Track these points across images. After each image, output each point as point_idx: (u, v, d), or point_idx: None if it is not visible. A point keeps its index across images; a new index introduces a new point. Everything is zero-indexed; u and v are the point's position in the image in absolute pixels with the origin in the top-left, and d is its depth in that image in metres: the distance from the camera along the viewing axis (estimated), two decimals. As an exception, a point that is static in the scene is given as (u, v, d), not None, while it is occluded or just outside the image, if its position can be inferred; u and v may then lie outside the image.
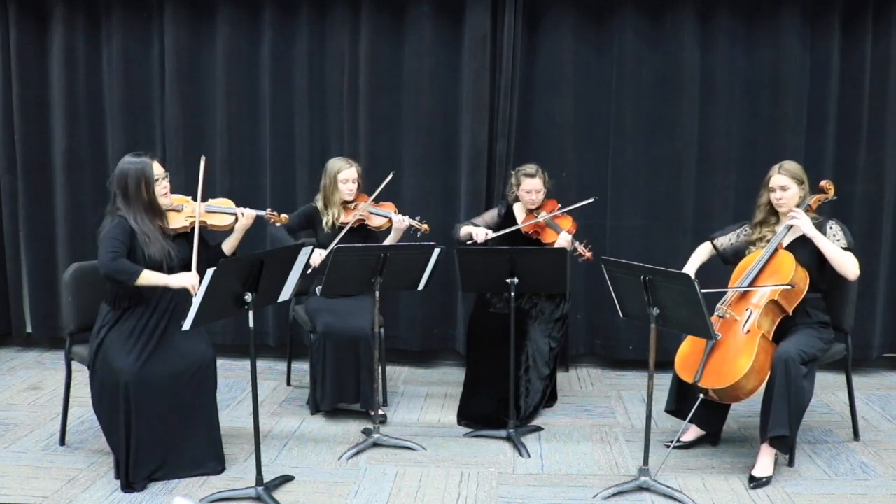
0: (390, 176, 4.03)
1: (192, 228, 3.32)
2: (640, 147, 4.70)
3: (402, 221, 3.98)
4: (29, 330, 5.20)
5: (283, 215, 3.69)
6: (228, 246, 3.53)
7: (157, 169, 3.27)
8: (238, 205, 3.52)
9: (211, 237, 3.54)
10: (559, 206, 4.09)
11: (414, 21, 4.68)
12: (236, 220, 3.46)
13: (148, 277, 3.13)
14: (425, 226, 3.97)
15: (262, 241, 4.48)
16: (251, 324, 3.01)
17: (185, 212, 3.37)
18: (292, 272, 3.18)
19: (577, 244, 3.87)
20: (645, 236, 4.74)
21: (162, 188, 3.28)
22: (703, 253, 3.71)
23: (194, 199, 3.38)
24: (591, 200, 4.02)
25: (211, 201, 3.49)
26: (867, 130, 4.59)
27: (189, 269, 3.26)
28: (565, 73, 4.68)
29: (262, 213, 3.55)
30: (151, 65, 4.87)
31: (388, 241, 4.03)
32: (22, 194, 5.00)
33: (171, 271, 3.22)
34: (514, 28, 4.56)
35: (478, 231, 4.03)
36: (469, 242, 4.04)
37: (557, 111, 4.71)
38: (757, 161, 4.42)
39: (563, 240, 3.89)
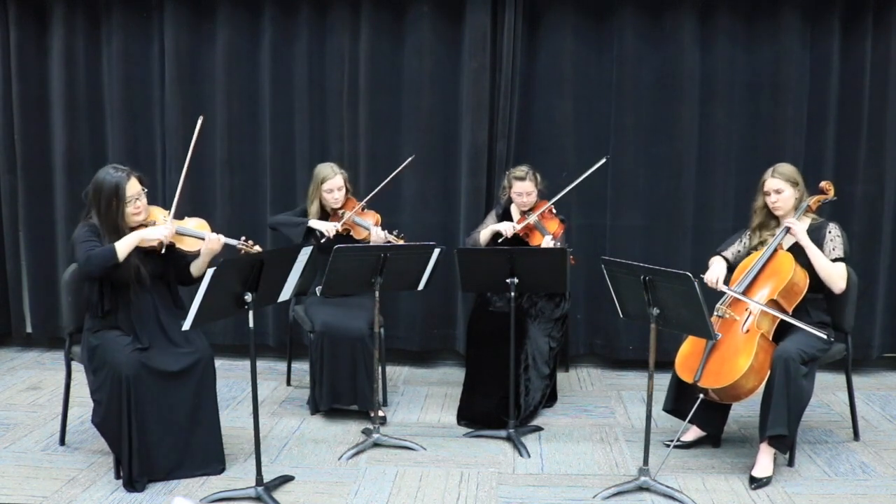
0: (410, 158, 4.16)
1: (162, 248, 3.23)
2: (640, 147, 4.70)
3: (378, 235, 3.95)
4: (29, 330, 5.20)
5: (258, 247, 3.39)
6: (195, 268, 3.38)
7: (133, 188, 3.19)
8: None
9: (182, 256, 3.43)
10: (551, 206, 4.08)
11: (414, 21, 4.68)
12: None
13: (123, 247, 3.09)
14: (401, 241, 3.93)
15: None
16: (251, 324, 3.01)
17: None
18: (292, 272, 3.18)
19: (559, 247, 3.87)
20: (645, 236, 4.74)
21: (135, 208, 3.20)
22: (722, 262, 3.64)
23: (174, 215, 3.30)
24: (604, 161, 4.09)
25: (186, 221, 3.36)
26: (867, 131, 4.59)
27: (160, 282, 3.30)
28: (565, 73, 4.68)
29: (234, 242, 3.33)
30: (151, 65, 4.87)
31: None
32: (22, 194, 5.00)
33: (139, 284, 3.20)
34: (514, 28, 4.56)
35: (504, 226, 4.03)
36: (500, 241, 4.04)
37: (557, 111, 4.71)
38: (757, 161, 4.42)
39: (546, 244, 3.89)
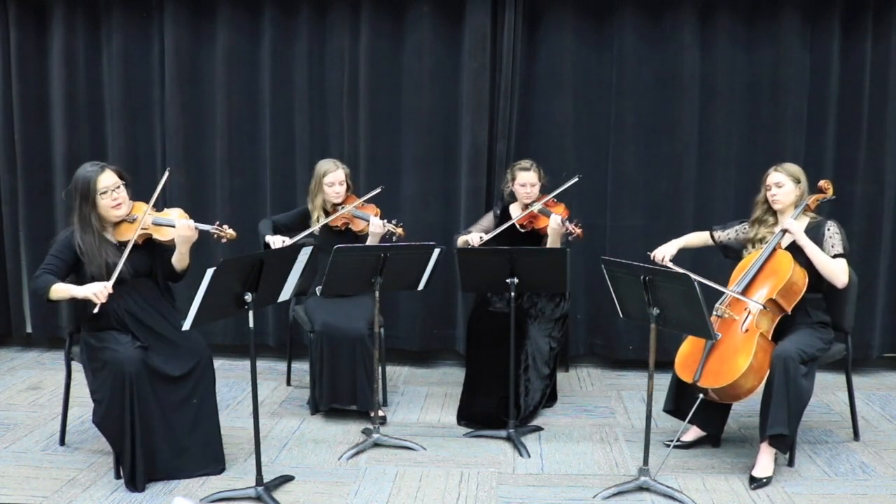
0: (378, 189, 4.08)
1: (142, 241, 3.23)
2: (640, 147, 4.70)
3: (377, 225, 3.94)
4: (29, 330, 5.19)
5: (231, 231, 3.27)
6: (175, 259, 3.30)
7: (107, 180, 3.16)
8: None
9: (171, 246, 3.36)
10: (552, 197, 4.09)
11: (414, 21, 4.68)
12: None
13: (57, 292, 3.09)
14: (400, 230, 3.92)
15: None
16: (251, 324, 3.01)
17: (136, 223, 3.22)
18: (292, 272, 3.18)
19: (567, 224, 3.87)
20: (645, 236, 4.73)
21: (112, 199, 3.17)
22: (695, 238, 3.76)
23: (154, 208, 3.27)
24: (576, 179, 4.07)
25: (166, 211, 3.31)
26: (867, 130, 4.59)
27: (147, 279, 3.27)
28: (565, 73, 4.68)
29: (207, 227, 3.23)
30: (151, 65, 4.87)
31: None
32: (22, 194, 5.00)
33: (118, 285, 3.15)
34: (514, 28, 4.56)
35: (471, 237, 4.04)
36: (487, 239, 4.04)
37: (557, 111, 4.71)
38: (757, 161, 4.42)
39: (554, 220, 3.88)
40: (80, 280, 3.21)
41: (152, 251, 3.30)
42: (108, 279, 3.12)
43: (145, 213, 3.22)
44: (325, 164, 4.10)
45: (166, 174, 3.33)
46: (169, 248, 3.30)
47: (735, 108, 4.64)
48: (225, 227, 3.28)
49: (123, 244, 3.21)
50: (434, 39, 4.68)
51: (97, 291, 3.03)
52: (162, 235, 3.25)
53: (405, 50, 4.73)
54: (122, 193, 3.22)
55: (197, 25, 4.79)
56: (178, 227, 3.20)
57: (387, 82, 4.74)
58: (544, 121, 4.74)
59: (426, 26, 4.66)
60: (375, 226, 3.94)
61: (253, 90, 4.83)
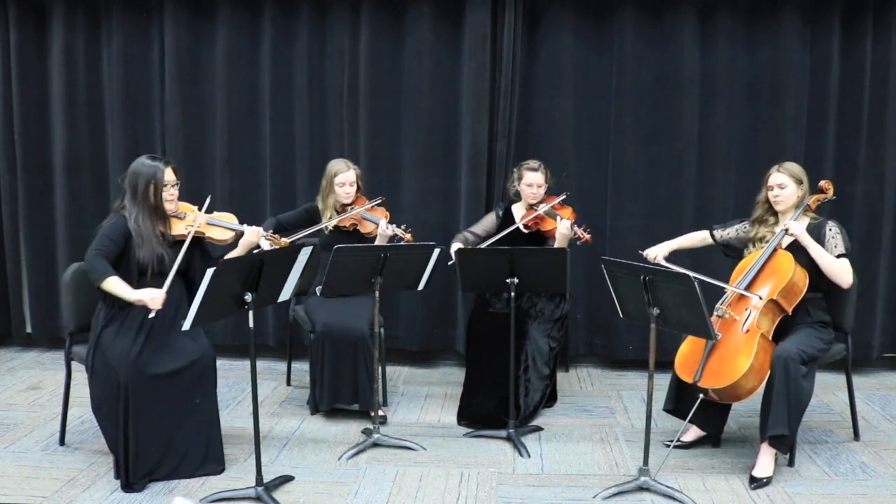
0: (379, 199, 4.11)
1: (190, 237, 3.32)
2: (640, 147, 4.70)
3: (386, 229, 3.96)
4: (29, 330, 5.20)
5: (284, 240, 3.58)
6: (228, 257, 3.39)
7: (169, 175, 3.31)
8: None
9: (212, 250, 3.54)
10: (561, 200, 4.08)
11: (414, 21, 4.68)
12: (236, 235, 3.44)
13: (112, 284, 3.10)
14: (409, 235, 3.94)
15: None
16: (251, 324, 3.01)
17: (187, 220, 3.37)
18: (292, 272, 3.18)
19: (576, 229, 3.87)
20: (645, 236, 4.72)
21: (169, 195, 3.32)
22: (690, 239, 3.78)
23: (200, 209, 3.40)
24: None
25: (215, 214, 3.47)
26: (867, 130, 4.59)
27: (182, 278, 3.35)
28: (565, 73, 4.68)
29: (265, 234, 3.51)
30: (151, 65, 4.87)
31: None
32: (22, 194, 5.00)
33: (161, 276, 3.18)
34: (514, 28, 4.56)
35: (457, 243, 3.98)
36: (497, 239, 4.04)
37: (557, 111, 4.71)
38: (757, 161, 4.42)
39: (563, 225, 3.87)
40: (120, 265, 3.21)
41: (192, 252, 3.36)
42: (156, 266, 3.20)
43: (199, 213, 3.38)
44: (336, 165, 4.11)
45: (207, 200, 3.41)
46: (210, 250, 3.47)
47: (735, 108, 4.64)
48: (277, 235, 3.57)
49: (165, 235, 3.31)
50: (434, 39, 4.68)
51: (155, 297, 3.07)
52: (214, 234, 3.41)
53: (405, 50, 4.73)
54: (176, 192, 3.37)
55: (197, 25, 4.79)
56: (249, 234, 3.42)
57: (387, 82, 4.74)
58: (544, 121, 4.74)
59: (426, 26, 4.66)
60: (384, 230, 3.96)
61: (253, 90, 4.83)
